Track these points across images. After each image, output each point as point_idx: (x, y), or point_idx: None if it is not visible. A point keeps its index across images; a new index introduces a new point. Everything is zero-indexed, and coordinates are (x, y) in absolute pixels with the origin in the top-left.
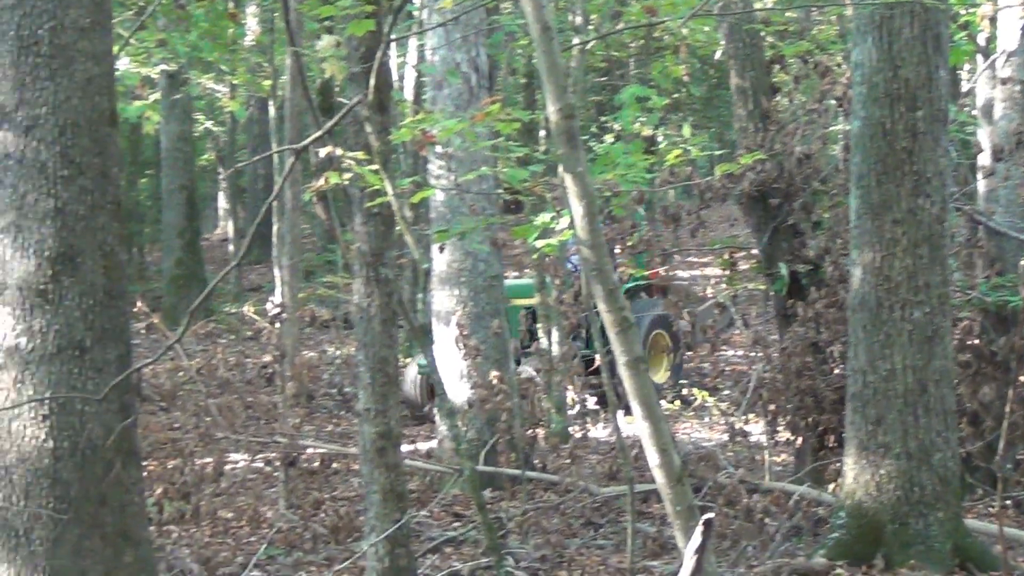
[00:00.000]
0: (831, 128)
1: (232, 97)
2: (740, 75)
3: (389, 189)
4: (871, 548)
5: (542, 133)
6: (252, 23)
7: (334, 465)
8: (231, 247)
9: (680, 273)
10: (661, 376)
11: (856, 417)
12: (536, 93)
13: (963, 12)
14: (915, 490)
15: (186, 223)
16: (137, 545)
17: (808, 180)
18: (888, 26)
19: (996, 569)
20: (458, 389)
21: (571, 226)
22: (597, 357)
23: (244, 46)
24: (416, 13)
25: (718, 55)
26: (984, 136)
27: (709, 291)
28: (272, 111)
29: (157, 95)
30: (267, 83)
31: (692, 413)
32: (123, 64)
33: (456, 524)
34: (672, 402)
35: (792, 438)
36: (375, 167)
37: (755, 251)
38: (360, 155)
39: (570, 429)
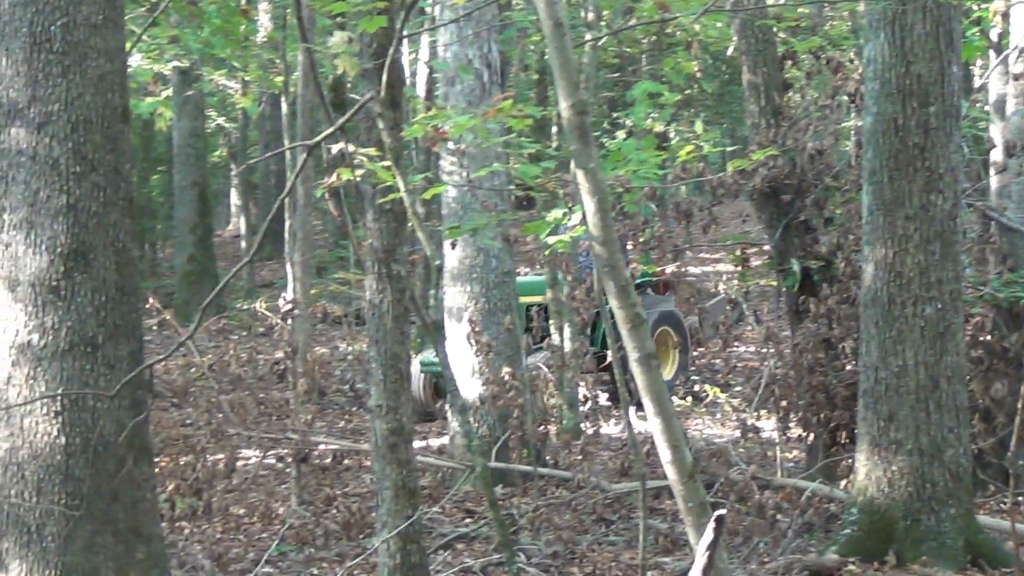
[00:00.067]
0: (843, 124)
1: (244, 93)
2: (752, 71)
3: (401, 185)
4: (883, 544)
5: (554, 129)
6: (264, 19)
7: (346, 461)
8: (243, 243)
9: (692, 269)
10: (667, 372)
11: (868, 413)
12: (548, 89)
13: (975, 8)
14: (927, 486)
15: (198, 219)
16: (149, 541)
17: (820, 176)
18: (900, 22)
19: (1008, 565)
20: (470, 385)
21: (583, 222)
22: (608, 353)
23: (256, 42)
24: (428, 9)
25: (730, 51)
26: (996, 132)
27: (721, 287)
28: (284, 107)
29: (169, 91)
30: (279, 79)
31: (704, 409)
32: (135, 60)
33: (468, 520)
34: (684, 398)
35: (804, 434)
36: (387, 163)
37: (767, 247)
38: (372, 151)
39: (582, 425)
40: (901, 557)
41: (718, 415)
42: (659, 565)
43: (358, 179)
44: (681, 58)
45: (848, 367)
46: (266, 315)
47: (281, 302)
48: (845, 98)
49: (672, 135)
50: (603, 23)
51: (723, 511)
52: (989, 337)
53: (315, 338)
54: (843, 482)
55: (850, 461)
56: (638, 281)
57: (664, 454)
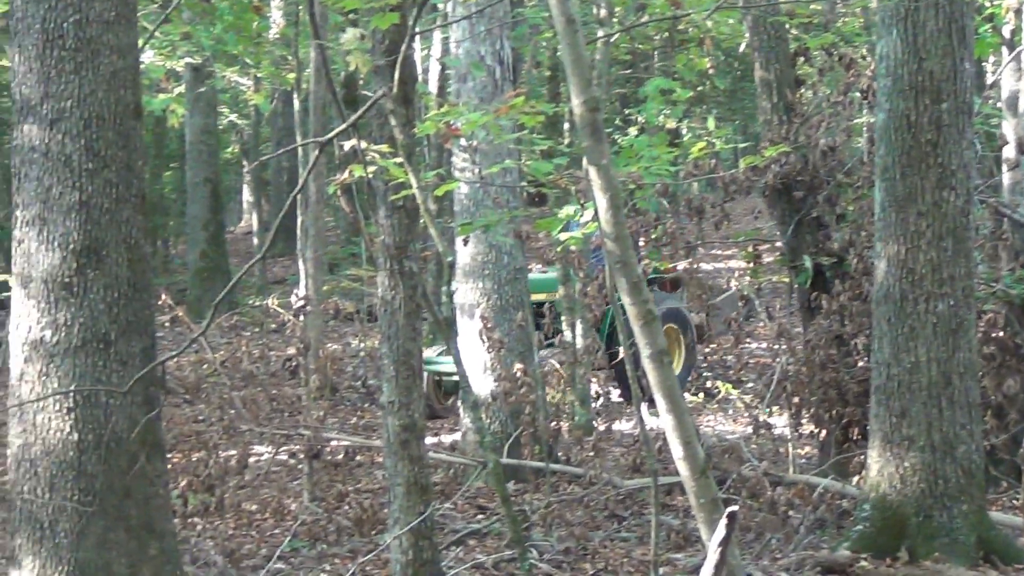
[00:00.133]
0: (856, 121)
1: (256, 90)
2: (764, 68)
3: (413, 182)
4: (895, 541)
5: (566, 126)
6: (276, 16)
7: (358, 458)
8: (255, 240)
9: (704, 266)
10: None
11: (880, 410)
12: (560, 86)
13: (988, 4)
14: (939, 483)
15: (210, 216)
16: (161, 537)
17: (832, 173)
18: (913, 18)
19: (1021, 562)
20: (482, 381)
21: (595, 219)
22: (620, 350)
23: (268, 39)
24: (440, 6)
25: (742, 48)
26: (1009, 129)
27: (733, 284)
28: (296, 104)
29: (182, 88)
30: (291, 76)
31: (716, 405)
32: (148, 57)
33: (480, 516)
34: (696, 394)
35: (816, 431)
36: (399, 160)
37: (779, 244)
38: (384, 148)
39: (594, 422)
40: (913, 553)
41: (730, 411)
42: (671, 561)
43: (370, 176)
44: (693, 55)
45: (860, 363)
46: (278, 311)
47: (293, 298)
48: (857, 94)
49: (684, 132)
50: (615, 19)
51: (735, 507)
52: (1001, 333)
53: (327, 334)
54: (855, 478)
55: (862, 457)
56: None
57: (676, 450)
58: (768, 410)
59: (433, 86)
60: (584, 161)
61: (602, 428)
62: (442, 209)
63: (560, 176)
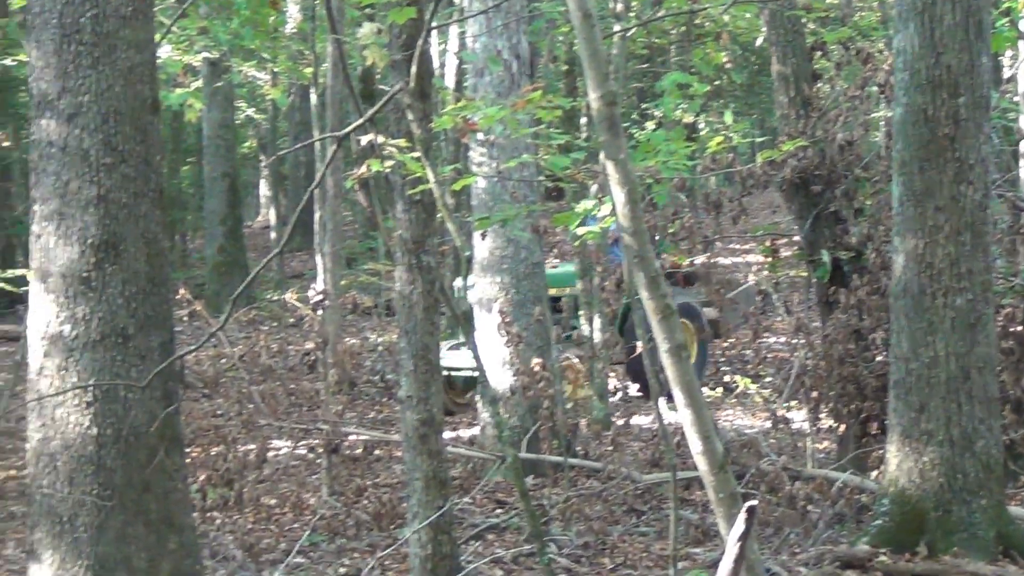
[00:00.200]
0: (873, 115)
1: (274, 85)
2: (782, 62)
3: (431, 176)
4: (914, 535)
5: (583, 120)
6: (293, 11)
7: (376, 452)
8: (273, 234)
9: (722, 260)
10: None
11: (899, 404)
12: (577, 80)
13: None
14: (958, 477)
15: (228, 211)
16: (181, 531)
17: (850, 167)
18: (930, 12)
19: None
20: (500, 376)
21: (613, 213)
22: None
23: (285, 34)
24: (457, 0)
25: (759, 42)
26: None
27: (751, 278)
28: (313, 99)
29: (199, 83)
30: (308, 71)
31: (734, 400)
32: (165, 52)
33: (499, 511)
34: (714, 389)
35: (835, 425)
36: (417, 154)
37: (797, 238)
38: (402, 143)
39: (612, 416)
40: (932, 548)
41: (748, 406)
42: (690, 556)
43: (388, 170)
44: (710, 49)
45: (879, 358)
46: (296, 306)
47: (311, 293)
48: (875, 89)
49: (701, 126)
50: (632, 14)
51: (754, 502)
52: (1020, 328)
53: (345, 329)
54: (874, 473)
55: (881, 452)
56: None
57: (695, 445)
58: (786, 405)
59: (450, 81)
60: (601, 155)
61: (620, 422)
62: (459, 204)
63: (577, 170)
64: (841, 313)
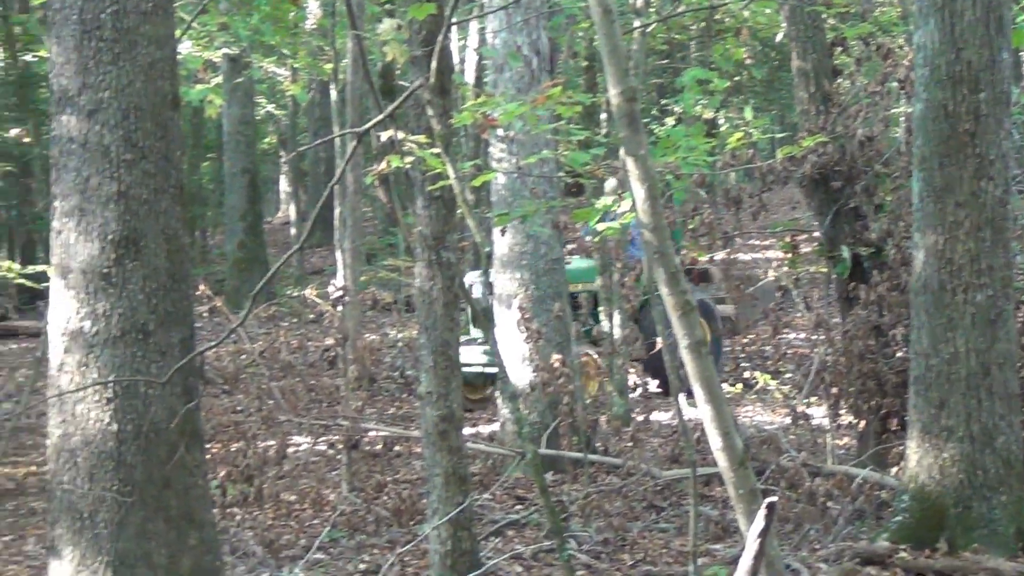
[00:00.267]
0: (893, 110)
1: (294, 80)
2: (802, 57)
3: (451, 172)
4: (934, 532)
5: (603, 116)
6: (313, 6)
7: (396, 448)
8: (293, 230)
9: (741, 256)
10: None
11: (919, 400)
12: (597, 76)
13: None
14: (978, 473)
15: (248, 206)
16: (201, 527)
17: (870, 163)
18: (951, 8)
19: None
20: (520, 372)
21: (633, 209)
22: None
23: (305, 29)
24: None
25: (779, 37)
26: None
27: (771, 274)
28: (333, 94)
29: (219, 79)
30: (328, 66)
31: (754, 396)
32: (185, 48)
33: (518, 507)
34: (734, 385)
35: (855, 421)
36: (437, 150)
37: (817, 234)
38: (422, 138)
39: (632, 412)
40: (952, 544)
41: (768, 402)
42: (710, 552)
43: (408, 166)
44: (730, 44)
45: (899, 354)
46: (316, 302)
47: (331, 289)
48: (895, 84)
49: (721, 122)
50: (652, 9)
51: (774, 498)
52: None
53: (365, 325)
54: (894, 469)
55: (901, 448)
56: None
57: (715, 441)
58: (806, 401)
59: (470, 76)
60: (621, 151)
61: (640, 419)
62: (479, 199)
63: (597, 166)
64: (861, 309)
